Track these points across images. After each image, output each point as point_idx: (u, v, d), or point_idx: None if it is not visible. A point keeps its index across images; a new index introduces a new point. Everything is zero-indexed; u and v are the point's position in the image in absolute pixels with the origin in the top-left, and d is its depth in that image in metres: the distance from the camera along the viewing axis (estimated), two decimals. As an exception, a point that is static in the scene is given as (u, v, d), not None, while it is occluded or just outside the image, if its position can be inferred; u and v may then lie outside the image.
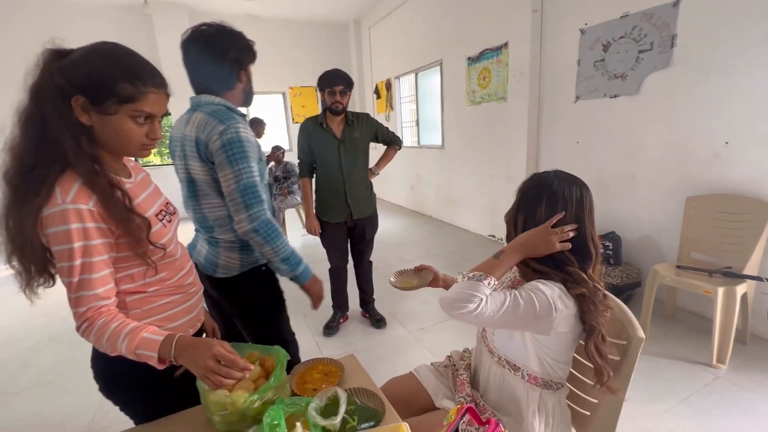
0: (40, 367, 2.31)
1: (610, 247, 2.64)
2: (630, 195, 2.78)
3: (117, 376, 0.88)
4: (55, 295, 0.86)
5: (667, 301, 2.46)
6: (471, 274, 0.86)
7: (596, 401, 0.97)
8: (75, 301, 0.74)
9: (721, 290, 1.89)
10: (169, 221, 0.92)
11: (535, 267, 0.90)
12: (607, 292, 0.91)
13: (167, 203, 0.95)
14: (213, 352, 0.74)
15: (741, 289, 1.92)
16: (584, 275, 0.86)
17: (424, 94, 5.47)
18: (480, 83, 4.08)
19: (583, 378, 1.01)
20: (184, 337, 0.77)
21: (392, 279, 1.20)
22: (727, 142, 2.20)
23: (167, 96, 0.82)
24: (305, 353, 2.25)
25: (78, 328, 0.75)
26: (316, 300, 1.33)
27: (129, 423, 0.95)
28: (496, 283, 0.86)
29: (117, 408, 0.94)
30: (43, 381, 2.16)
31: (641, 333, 0.90)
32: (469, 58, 4.17)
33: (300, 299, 2.99)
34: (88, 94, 0.71)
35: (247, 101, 1.26)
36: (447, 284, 1.23)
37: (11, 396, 2.05)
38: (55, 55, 0.72)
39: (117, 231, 0.77)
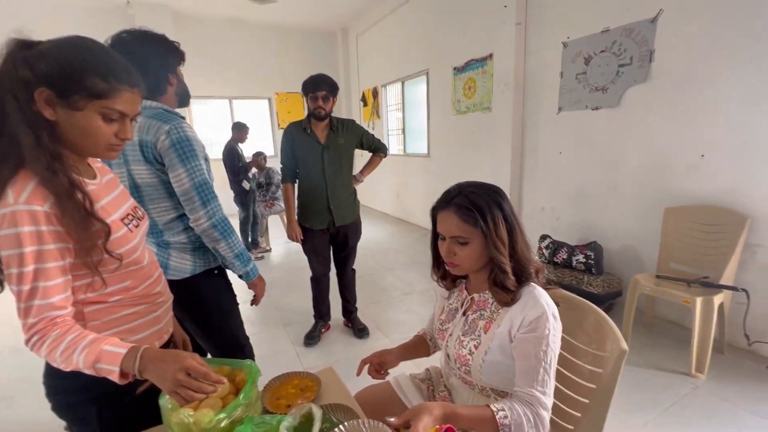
0: (-2, 380, 2.16)
1: (592, 257, 2.67)
2: (611, 205, 2.83)
3: (69, 393, 0.82)
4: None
5: (647, 311, 2.49)
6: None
7: (579, 414, 0.95)
8: (25, 312, 0.67)
9: (699, 300, 1.92)
10: (136, 226, 0.86)
11: (507, 288, 0.86)
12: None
13: (135, 207, 0.90)
14: (183, 365, 0.69)
15: (718, 299, 1.95)
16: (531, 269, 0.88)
17: (411, 102, 5.50)
18: (465, 93, 4.12)
19: (566, 390, 0.99)
20: (149, 349, 0.71)
21: None
22: (702, 155, 2.25)
23: (141, 97, 0.77)
24: (284, 365, 2.20)
25: (27, 342, 0.68)
26: (259, 297, 1.39)
27: (86, 444, 0.87)
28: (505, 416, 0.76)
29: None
30: (1, 396, 2.03)
31: (624, 345, 0.88)
32: (455, 68, 4.21)
33: (280, 308, 2.93)
34: (54, 86, 0.66)
35: (182, 102, 1.25)
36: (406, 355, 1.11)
37: (-36, 413, 1.91)
38: (21, 45, 0.66)
39: (74, 236, 0.71)
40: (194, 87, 1.32)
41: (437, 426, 0.61)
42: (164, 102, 1.18)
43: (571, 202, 3.15)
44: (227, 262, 1.26)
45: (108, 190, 0.83)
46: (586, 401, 0.93)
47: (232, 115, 6.61)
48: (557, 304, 0.87)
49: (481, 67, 3.82)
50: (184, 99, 1.26)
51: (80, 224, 0.70)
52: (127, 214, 0.85)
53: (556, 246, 2.91)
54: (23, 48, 0.66)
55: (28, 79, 0.65)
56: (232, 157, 4.08)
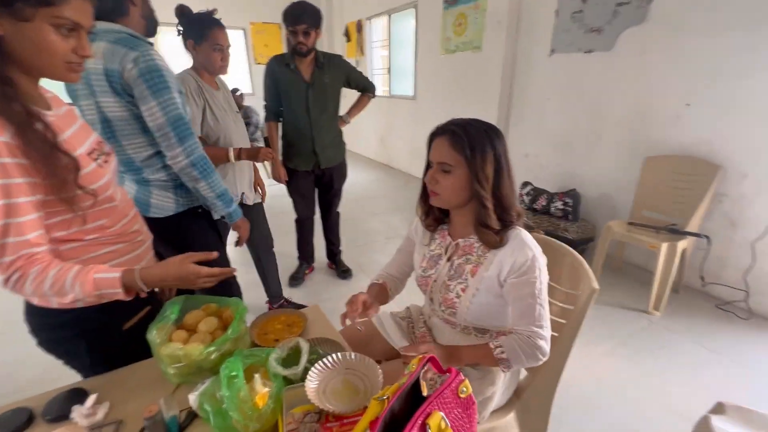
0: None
1: (570, 204, 2.75)
2: (594, 154, 2.85)
3: (57, 328, 0.82)
4: None
5: (617, 255, 2.64)
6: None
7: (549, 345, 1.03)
8: (0, 250, 0.65)
9: (664, 246, 2.04)
10: (106, 161, 0.81)
11: (491, 227, 0.88)
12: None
13: (100, 142, 0.84)
14: (200, 274, 0.80)
15: (682, 244, 2.08)
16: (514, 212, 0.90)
17: (397, 40, 5.17)
18: (455, 30, 3.88)
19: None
20: (147, 271, 0.76)
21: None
22: (688, 104, 2.25)
23: (92, 7, 0.69)
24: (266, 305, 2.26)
25: (6, 281, 0.67)
26: (243, 238, 1.40)
27: (79, 376, 0.90)
28: (499, 346, 0.86)
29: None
30: (-15, 333, 2.04)
31: (595, 284, 0.93)
32: (445, 2, 3.92)
33: (265, 251, 2.94)
34: None
35: (150, 30, 1.14)
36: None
37: (-50, 349, 1.93)
38: None
39: (41, 170, 0.66)
40: (163, 14, 1.18)
41: (420, 355, 0.65)
42: (128, 26, 1.06)
43: (555, 150, 3.16)
44: (209, 202, 1.23)
45: (68, 123, 0.77)
46: (556, 335, 1.01)
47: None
48: None
49: (474, 2, 3.56)
50: (151, 25, 1.14)
51: (46, 158, 0.65)
52: (93, 149, 0.79)
53: (537, 193, 2.97)
54: None
55: None
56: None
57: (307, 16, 1.86)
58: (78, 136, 0.77)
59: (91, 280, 0.70)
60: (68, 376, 0.92)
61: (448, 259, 0.98)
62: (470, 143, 0.85)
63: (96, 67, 0.99)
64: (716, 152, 2.17)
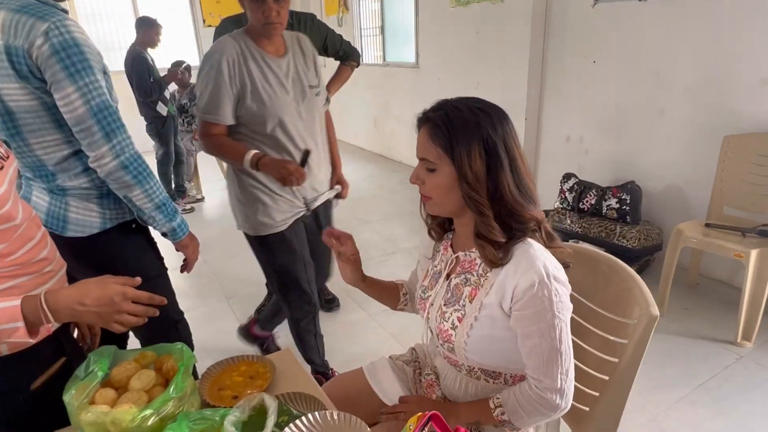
0: None
1: (627, 202, 2.77)
2: (656, 135, 2.89)
3: None
4: None
5: (691, 268, 2.66)
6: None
7: (597, 394, 1.05)
8: None
9: (754, 253, 2.05)
10: (1, 167, 0.83)
11: (494, 240, 0.88)
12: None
13: None
14: (125, 294, 0.82)
15: (778, 251, 2.10)
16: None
17: (393, -12, 5.25)
18: (469, -25, 3.94)
19: (583, 366, 1.08)
20: (52, 292, 0.78)
21: None
22: (778, 65, 2.29)
23: None
24: (229, 348, 2.27)
25: None
26: (192, 261, 1.44)
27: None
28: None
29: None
30: None
31: (655, 310, 0.95)
32: (454, -62, 3.99)
33: (220, 276, 2.98)
34: None
35: None
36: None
37: None
38: None
39: None
40: None
41: (421, 413, 0.66)
42: None
43: (605, 131, 3.19)
44: (145, 215, 1.25)
45: None
46: (605, 378, 1.02)
47: (136, 10, 6.17)
48: (566, 266, 0.91)
49: (491, -63, 3.62)
50: None
51: None
52: None
53: (583, 187, 2.99)
54: None
55: None
56: (139, 68, 3.89)
57: None
58: None
59: None
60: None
61: (447, 277, 1.00)
62: (451, 133, 0.85)
63: None
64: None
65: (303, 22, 2.15)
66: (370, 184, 4.89)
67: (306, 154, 1.56)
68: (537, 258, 0.85)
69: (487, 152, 0.85)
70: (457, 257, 0.99)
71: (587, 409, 1.06)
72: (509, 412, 0.88)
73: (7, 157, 0.88)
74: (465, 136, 0.85)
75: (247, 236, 1.77)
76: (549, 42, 3.45)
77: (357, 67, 2.39)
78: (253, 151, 1.51)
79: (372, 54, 5.91)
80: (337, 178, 1.89)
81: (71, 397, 0.78)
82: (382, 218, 3.90)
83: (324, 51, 2.24)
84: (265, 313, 2.21)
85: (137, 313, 0.84)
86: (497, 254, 0.87)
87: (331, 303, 2.61)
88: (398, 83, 5.33)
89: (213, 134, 1.56)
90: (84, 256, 1.25)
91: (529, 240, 0.88)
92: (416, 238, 3.47)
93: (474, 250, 0.95)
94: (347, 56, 2.33)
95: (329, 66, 2.45)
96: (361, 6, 5.90)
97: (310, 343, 1.88)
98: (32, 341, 0.76)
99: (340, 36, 2.30)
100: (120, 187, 1.18)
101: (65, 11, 1.08)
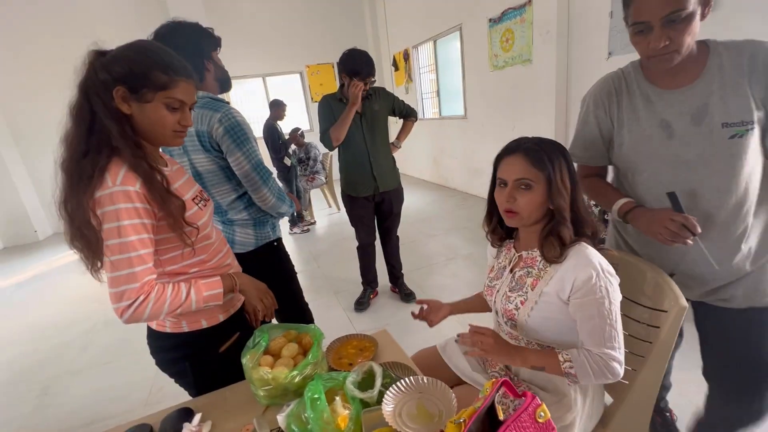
0: (97, 348, 2.52)
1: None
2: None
3: (169, 350, 0.98)
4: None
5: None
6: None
7: (634, 369, 0.96)
8: (127, 278, 0.78)
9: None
10: (204, 206, 0.97)
11: (562, 240, 0.87)
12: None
13: (200, 191, 1.01)
14: (269, 292, 1.06)
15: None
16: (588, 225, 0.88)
17: (444, 62, 5.28)
18: (503, 46, 3.88)
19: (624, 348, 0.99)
20: (241, 275, 1.03)
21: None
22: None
23: (195, 87, 0.87)
24: (338, 329, 2.35)
25: (130, 306, 0.79)
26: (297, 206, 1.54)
27: (181, 397, 1.03)
28: (568, 359, 0.83)
29: (169, 384, 1.04)
30: (101, 361, 2.37)
31: (684, 302, 0.86)
32: (490, 20, 3.95)
33: (329, 277, 3.09)
34: (127, 83, 0.77)
35: (223, 87, 1.28)
36: (461, 308, 1.19)
37: (73, 375, 2.26)
38: (97, 54, 0.79)
39: (159, 212, 0.83)
40: (229, 68, 1.36)
41: (492, 380, 0.65)
42: (206, 90, 1.23)
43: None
44: (283, 212, 1.39)
45: (178, 177, 0.95)
46: (642, 356, 0.94)
47: (267, 94, 6.71)
48: (614, 265, 0.87)
49: (520, 15, 3.55)
50: (224, 84, 1.30)
51: (164, 200, 0.82)
52: (196, 196, 0.96)
53: (607, 203, 2.77)
54: (99, 56, 0.79)
55: (106, 81, 0.77)
56: (272, 135, 4.18)
57: (372, 67, 2.08)
58: (185, 186, 0.95)
59: (199, 285, 0.89)
60: (172, 397, 1.05)
61: (511, 270, 0.98)
62: (549, 157, 0.86)
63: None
64: None
65: (378, 92, 2.26)
66: (432, 206, 4.87)
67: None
68: (593, 256, 0.84)
69: (570, 172, 0.88)
70: (520, 255, 0.97)
71: (627, 382, 0.98)
72: (577, 367, 0.82)
73: (208, 200, 1.02)
74: (557, 159, 0.87)
75: None
76: (570, 91, 3.29)
77: (416, 121, 2.45)
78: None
79: (430, 110, 5.94)
80: None
81: (246, 360, 0.86)
82: (443, 232, 3.86)
83: (392, 112, 2.34)
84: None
85: (269, 305, 1.05)
86: (557, 252, 0.86)
87: (409, 296, 2.60)
88: (451, 131, 5.31)
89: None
90: (244, 266, 1.37)
91: (583, 243, 0.86)
92: (470, 246, 3.39)
93: (535, 249, 0.93)
94: (408, 114, 2.41)
95: (396, 125, 2.51)
96: (421, 77, 5.99)
97: None
98: (220, 303, 0.92)
99: (402, 101, 2.39)
100: (274, 209, 1.32)
101: (227, 102, 1.22)
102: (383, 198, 2.36)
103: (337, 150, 2.32)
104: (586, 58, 3.05)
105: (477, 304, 1.18)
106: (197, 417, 0.85)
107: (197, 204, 0.94)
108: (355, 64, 2.06)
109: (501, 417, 0.58)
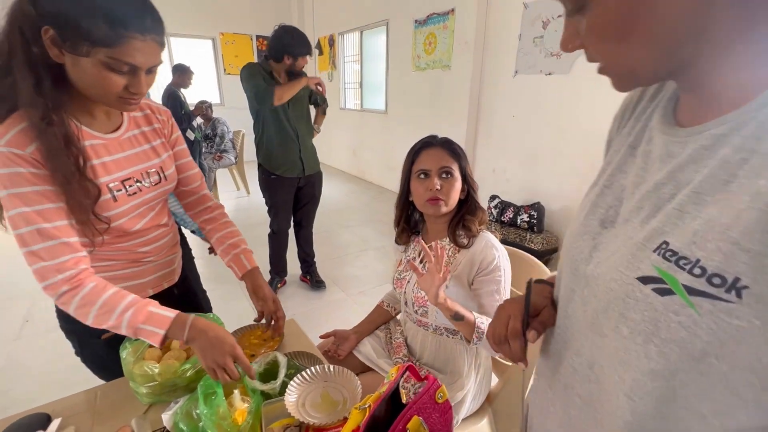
0: None
1: (535, 216, 2.89)
2: (557, 168, 3.03)
3: (65, 317, 0.80)
4: None
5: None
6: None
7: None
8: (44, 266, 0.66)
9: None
10: (137, 191, 0.80)
11: (471, 228, 0.98)
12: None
13: (147, 171, 0.82)
14: (234, 353, 0.73)
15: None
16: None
17: (369, 54, 5.29)
18: (426, 49, 4.03)
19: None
20: (199, 320, 0.73)
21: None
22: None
23: (159, 45, 0.68)
24: (243, 319, 2.19)
25: (66, 293, 0.67)
26: None
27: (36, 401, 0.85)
28: (481, 323, 0.87)
29: (18, 386, 0.86)
30: None
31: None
32: (416, 21, 4.07)
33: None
34: (58, 26, 0.60)
35: None
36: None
37: None
38: None
39: (59, 189, 0.67)
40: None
41: (397, 365, 0.67)
42: None
43: (521, 165, 3.32)
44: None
45: (121, 147, 0.78)
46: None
47: (171, 56, 5.94)
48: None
49: (443, 22, 3.73)
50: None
51: (66, 180, 0.67)
52: (129, 177, 0.79)
53: (504, 206, 3.10)
54: None
55: (30, 15, 0.59)
56: (174, 102, 3.72)
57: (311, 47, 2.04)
58: (122, 162, 0.78)
59: (145, 312, 0.70)
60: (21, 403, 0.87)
61: (421, 261, 1.03)
62: (460, 150, 0.99)
63: None
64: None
65: (300, 74, 2.17)
66: (348, 198, 4.88)
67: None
68: (493, 241, 0.97)
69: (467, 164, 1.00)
70: (430, 246, 1.01)
71: (510, 364, 1.10)
72: (486, 326, 0.86)
73: (159, 183, 0.89)
74: (461, 151, 1.00)
75: None
76: (482, 100, 3.57)
77: (327, 107, 2.48)
78: None
79: (353, 101, 5.91)
80: None
81: (127, 353, 0.75)
82: (358, 224, 3.90)
83: (309, 97, 2.29)
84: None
85: (231, 373, 0.72)
86: (468, 239, 0.97)
87: (319, 284, 2.57)
88: (372, 124, 5.36)
89: None
90: None
91: (486, 232, 0.99)
92: (383, 239, 3.48)
93: (444, 239, 1.00)
94: (321, 104, 2.42)
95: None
96: (345, 66, 5.91)
97: None
98: (156, 344, 0.71)
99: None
100: None
101: None
102: (307, 181, 2.30)
103: (254, 129, 2.18)
104: (498, 73, 3.34)
105: (378, 318, 1.22)
106: (55, 422, 0.71)
107: (119, 191, 0.77)
108: (294, 42, 2.00)
109: (404, 400, 0.60)
